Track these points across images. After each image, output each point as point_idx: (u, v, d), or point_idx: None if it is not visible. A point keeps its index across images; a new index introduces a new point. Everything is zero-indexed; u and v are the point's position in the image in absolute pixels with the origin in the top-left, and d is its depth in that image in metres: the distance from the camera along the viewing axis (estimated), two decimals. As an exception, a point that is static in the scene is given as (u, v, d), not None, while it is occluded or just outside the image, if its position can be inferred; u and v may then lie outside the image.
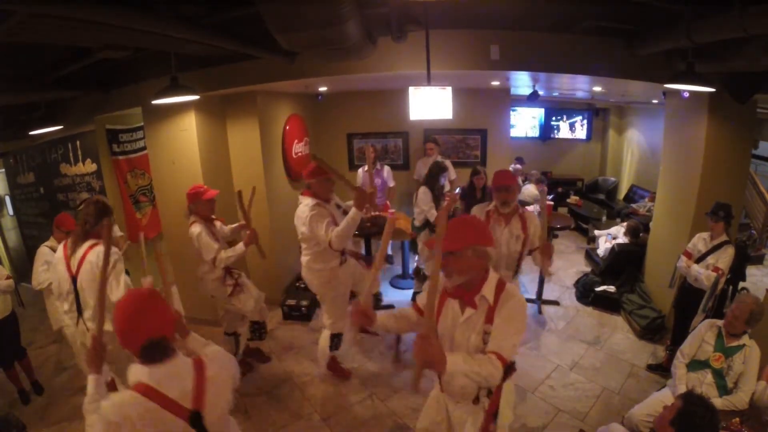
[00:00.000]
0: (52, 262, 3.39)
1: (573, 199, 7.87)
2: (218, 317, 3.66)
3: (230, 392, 1.45)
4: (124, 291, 2.45)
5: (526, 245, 2.92)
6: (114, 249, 2.51)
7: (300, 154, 5.41)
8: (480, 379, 1.53)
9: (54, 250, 3.45)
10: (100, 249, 2.46)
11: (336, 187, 3.15)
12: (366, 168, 5.56)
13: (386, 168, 5.63)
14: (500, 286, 1.67)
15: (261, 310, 3.56)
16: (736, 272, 3.69)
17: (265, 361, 3.73)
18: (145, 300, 1.31)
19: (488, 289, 1.66)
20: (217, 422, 1.37)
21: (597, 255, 5.63)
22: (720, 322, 2.63)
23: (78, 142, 5.04)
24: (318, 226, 2.98)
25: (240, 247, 3.22)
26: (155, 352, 1.27)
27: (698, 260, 3.36)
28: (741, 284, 3.97)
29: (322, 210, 3.04)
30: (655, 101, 6.18)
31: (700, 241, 3.43)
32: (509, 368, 1.67)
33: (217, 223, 3.42)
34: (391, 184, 5.63)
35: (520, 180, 6.35)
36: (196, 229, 3.16)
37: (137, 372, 1.28)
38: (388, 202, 5.49)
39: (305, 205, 3.07)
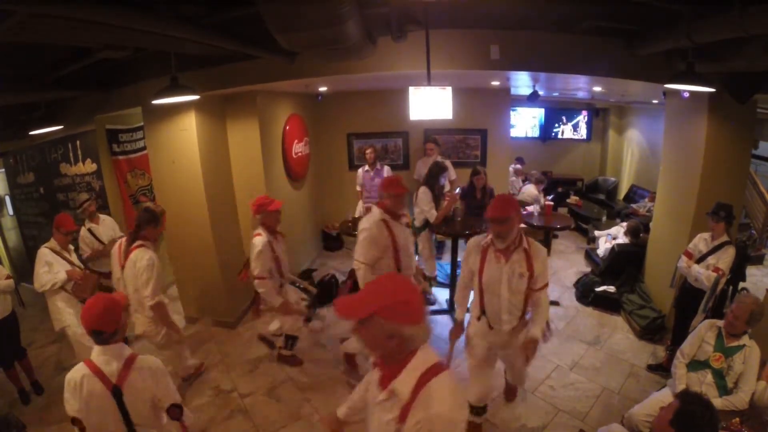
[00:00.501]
0: (52, 263, 3.42)
1: (573, 199, 7.86)
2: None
3: (153, 390, 1.88)
4: (152, 293, 2.88)
5: (531, 284, 2.44)
6: (150, 254, 2.92)
7: (300, 154, 5.42)
8: None
9: (54, 250, 3.47)
10: (140, 252, 2.91)
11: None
12: (366, 168, 5.58)
13: (386, 168, 5.64)
14: (424, 379, 1.23)
15: (294, 328, 3.63)
16: (736, 272, 3.69)
17: (299, 364, 3.80)
18: (98, 303, 1.83)
19: (404, 380, 1.25)
20: (138, 407, 1.85)
21: (597, 255, 5.63)
22: (720, 323, 2.63)
23: (78, 142, 5.04)
24: (363, 250, 2.91)
25: (278, 299, 3.34)
26: (97, 337, 1.82)
27: (699, 260, 3.36)
28: (741, 284, 3.97)
29: (382, 230, 2.92)
30: (655, 101, 6.18)
31: (701, 242, 3.43)
32: None
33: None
34: (391, 183, 5.63)
35: (527, 187, 6.17)
36: (258, 244, 3.22)
37: (93, 351, 1.85)
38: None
39: (373, 217, 2.97)
